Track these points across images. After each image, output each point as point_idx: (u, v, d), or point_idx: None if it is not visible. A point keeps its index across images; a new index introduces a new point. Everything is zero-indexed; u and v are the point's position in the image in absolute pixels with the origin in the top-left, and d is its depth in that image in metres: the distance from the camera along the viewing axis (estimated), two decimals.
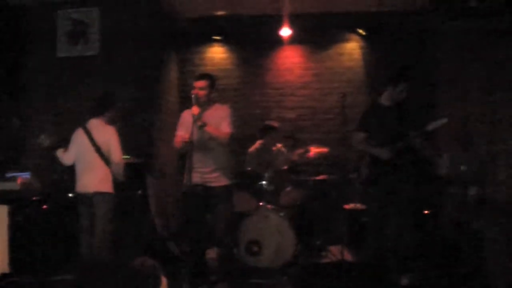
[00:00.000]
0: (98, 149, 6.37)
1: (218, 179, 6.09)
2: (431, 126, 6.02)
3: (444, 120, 6.04)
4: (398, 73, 6.33)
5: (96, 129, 6.45)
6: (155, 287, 3.56)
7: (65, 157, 6.55)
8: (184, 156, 6.14)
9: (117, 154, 6.44)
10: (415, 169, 6.49)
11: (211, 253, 6.60)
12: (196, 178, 5.90)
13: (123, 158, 6.63)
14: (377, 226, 6.49)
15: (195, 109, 5.83)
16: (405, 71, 6.46)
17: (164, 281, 3.62)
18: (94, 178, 6.39)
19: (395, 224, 6.35)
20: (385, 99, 6.38)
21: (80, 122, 6.60)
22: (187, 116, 6.18)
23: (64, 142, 6.60)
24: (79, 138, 6.49)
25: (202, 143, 5.96)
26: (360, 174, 6.72)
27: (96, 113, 6.54)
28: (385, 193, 6.34)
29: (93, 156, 6.39)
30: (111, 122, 6.58)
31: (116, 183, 6.56)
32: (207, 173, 6.04)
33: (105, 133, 6.44)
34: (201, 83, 6.05)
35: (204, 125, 5.80)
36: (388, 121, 6.30)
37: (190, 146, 5.80)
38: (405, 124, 6.24)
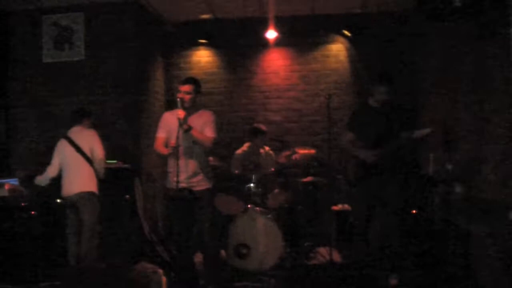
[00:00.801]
0: (80, 150, 6.68)
1: (200, 183, 6.12)
2: (415, 134, 6.13)
3: (428, 130, 6.17)
4: (377, 76, 6.44)
5: (78, 135, 6.82)
6: None
7: (48, 170, 6.83)
8: (167, 159, 6.20)
9: (99, 151, 6.80)
10: (402, 169, 6.54)
11: (199, 257, 6.62)
12: (182, 182, 5.91)
13: (109, 162, 6.99)
14: (362, 227, 6.55)
15: (181, 113, 5.83)
16: (384, 74, 6.53)
17: (164, 282, 3.61)
18: (78, 178, 6.67)
19: (380, 224, 6.40)
20: (373, 101, 6.45)
21: (63, 131, 7.02)
22: (168, 118, 6.23)
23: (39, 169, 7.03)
24: (62, 147, 6.81)
25: (186, 147, 5.98)
26: (347, 174, 6.76)
27: (75, 122, 6.94)
28: (370, 194, 6.41)
29: (77, 159, 6.68)
30: (90, 127, 7.01)
31: (103, 188, 6.70)
32: (191, 177, 6.05)
33: (86, 136, 6.83)
34: (186, 87, 6.05)
35: (190, 128, 5.82)
36: (376, 122, 6.37)
37: (175, 150, 5.83)
38: (393, 126, 6.31)
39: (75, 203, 6.57)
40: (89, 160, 6.69)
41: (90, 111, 7.18)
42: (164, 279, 3.61)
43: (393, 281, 6.24)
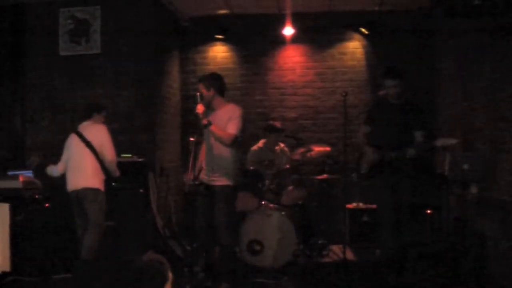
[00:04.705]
0: (88, 145, 6.57)
1: (219, 178, 6.03)
2: (439, 143, 6.10)
3: (454, 141, 6.15)
4: (386, 69, 6.51)
5: (87, 129, 6.71)
6: (162, 283, 3.52)
7: (58, 167, 6.78)
8: (188, 154, 6.14)
9: (109, 151, 6.67)
10: (416, 168, 6.51)
11: (213, 252, 6.60)
12: (202, 176, 5.90)
13: (123, 156, 6.98)
14: (379, 223, 6.60)
15: (199, 108, 5.80)
16: (393, 68, 6.56)
17: (171, 276, 3.58)
18: (82, 173, 6.56)
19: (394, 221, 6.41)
20: (387, 95, 6.49)
21: (76, 124, 6.95)
22: None
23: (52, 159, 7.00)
24: (71, 142, 6.74)
25: (208, 142, 5.95)
26: (359, 168, 6.77)
27: (85, 117, 6.85)
28: (382, 190, 6.44)
29: (83, 153, 6.58)
30: (101, 122, 6.88)
31: (118, 181, 6.72)
32: (210, 172, 6.00)
33: (96, 131, 6.69)
34: (206, 82, 6.01)
35: (209, 124, 5.76)
36: (392, 117, 6.38)
37: (194, 145, 5.78)
38: (409, 122, 6.31)
39: (80, 198, 6.52)
40: (97, 155, 6.56)
41: (102, 106, 7.05)
42: (170, 274, 3.58)
43: (406, 280, 6.22)
